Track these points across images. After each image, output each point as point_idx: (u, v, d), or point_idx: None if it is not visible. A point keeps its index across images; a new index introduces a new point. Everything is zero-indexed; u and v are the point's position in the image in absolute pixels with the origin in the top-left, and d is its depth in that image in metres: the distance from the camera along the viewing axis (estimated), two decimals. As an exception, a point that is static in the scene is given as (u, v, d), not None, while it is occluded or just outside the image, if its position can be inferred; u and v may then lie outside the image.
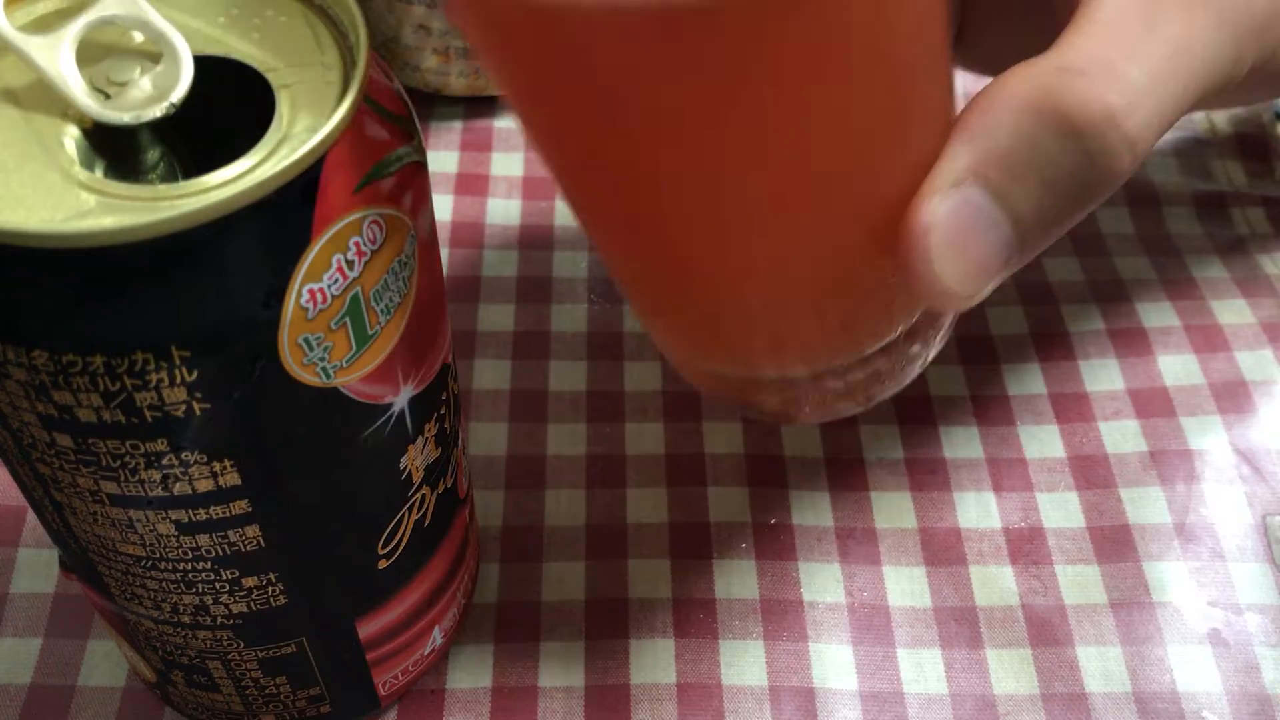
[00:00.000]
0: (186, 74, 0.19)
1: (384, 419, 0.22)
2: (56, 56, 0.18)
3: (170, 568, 0.22)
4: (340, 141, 0.18)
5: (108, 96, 0.19)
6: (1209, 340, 0.38)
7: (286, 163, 0.17)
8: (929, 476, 0.35)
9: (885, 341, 0.32)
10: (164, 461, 0.19)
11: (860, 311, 0.29)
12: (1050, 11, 0.26)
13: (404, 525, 0.25)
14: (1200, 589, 0.32)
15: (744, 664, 0.31)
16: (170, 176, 0.21)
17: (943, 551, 0.33)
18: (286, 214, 0.17)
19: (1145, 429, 0.36)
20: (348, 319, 0.19)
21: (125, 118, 0.18)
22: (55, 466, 0.20)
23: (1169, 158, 0.43)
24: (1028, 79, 0.22)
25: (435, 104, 0.45)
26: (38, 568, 0.32)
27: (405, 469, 0.23)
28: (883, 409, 0.36)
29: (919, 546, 0.33)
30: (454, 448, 0.26)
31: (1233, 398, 0.36)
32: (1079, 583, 0.32)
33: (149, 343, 0.17)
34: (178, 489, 0.20)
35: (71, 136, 0.18)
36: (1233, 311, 0.38)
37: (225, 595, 0.23)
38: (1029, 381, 0.37)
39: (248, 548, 0.22)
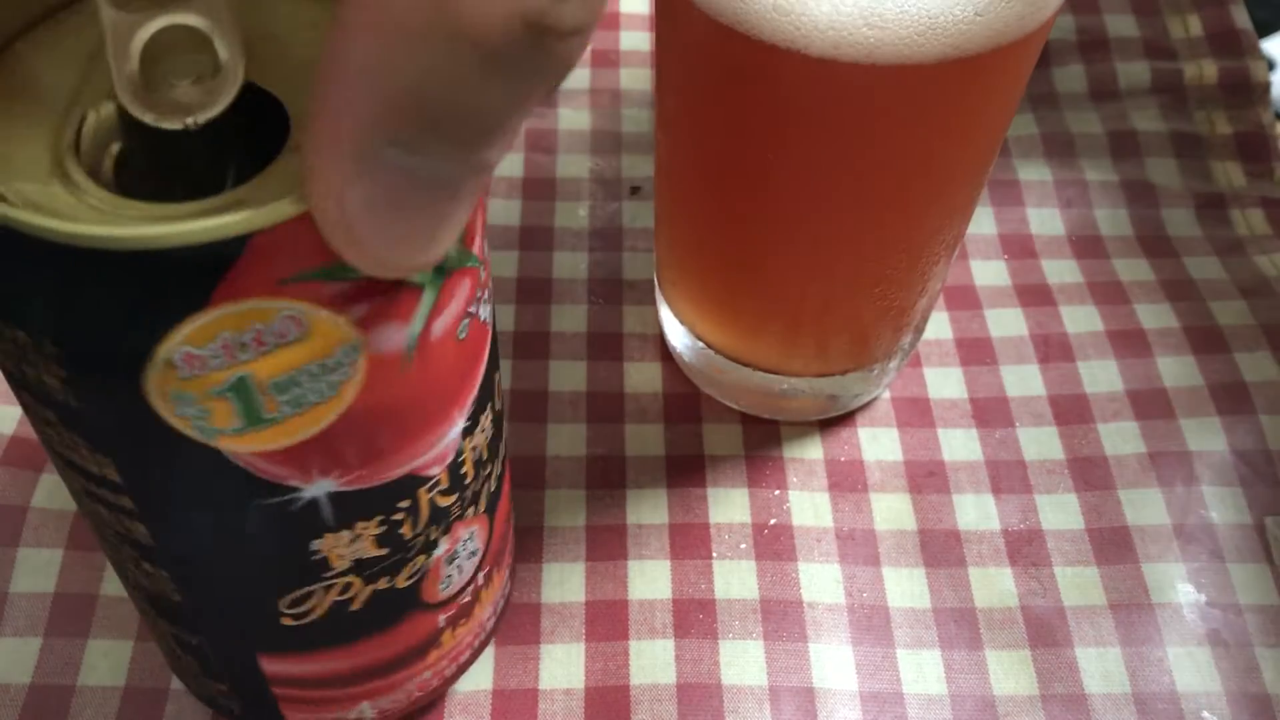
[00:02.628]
0: (222, 103, 0.18)
1: (286, 498, 0.20)
2: (132, 39, 0.18)
3: (92, 517, 0.22)
4: (278, 230, 0.17)
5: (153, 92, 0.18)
6: (1208, 341, 0.38)
7: (196, 227, 0.16)
8: (928, 478, 0.35)
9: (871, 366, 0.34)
10: (59, 431, 0.20)
11: (867, 332, 0.32)
12: None
13: (317, 600, 0.23)
14: (1199, 590, 0.32)
15: (744, 664, 0.31)
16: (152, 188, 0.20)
17: (942, 553, 0.33)
18: (191, 274, 0.17)
19: (1144, 430, 0.36)
20: (231, 395, 0.18)
21: (146, 118, 0.18)
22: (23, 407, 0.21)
23: (1169, 159, 0.43)
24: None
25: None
26: (37, 567, 0.31)
27: (319, 552, 0.22)
28: (882, 410, 0.36)
29: (918, 548, 0.33)
30: (419, 555, 0.24)
31: (1232, 399, 0.36)
32: (1078, 584, 0.32)
33: (26, 326, 0.18)
34: (73, 458, 0.20)
35: (87, 122, 0.18)
36: (1232, 313, 0.38)
37: (131, 567, 0.23)
38: (1028, 383, 0.37)
39: (138, 538, 0.22)
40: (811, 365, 0.34)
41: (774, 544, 0.33)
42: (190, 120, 0.18)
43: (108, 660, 0.30)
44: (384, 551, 0.23)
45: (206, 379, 0.18)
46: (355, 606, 0.24)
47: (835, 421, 0.36)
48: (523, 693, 0.30)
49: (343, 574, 0.23)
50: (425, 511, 0.23)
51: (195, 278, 0.17)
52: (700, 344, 0.35)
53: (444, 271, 0.19)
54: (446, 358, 0.21)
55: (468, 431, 0.23)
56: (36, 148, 0.18)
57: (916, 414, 0.36)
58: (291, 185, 0.17)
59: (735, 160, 0.29)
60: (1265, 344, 0.38)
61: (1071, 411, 0.36)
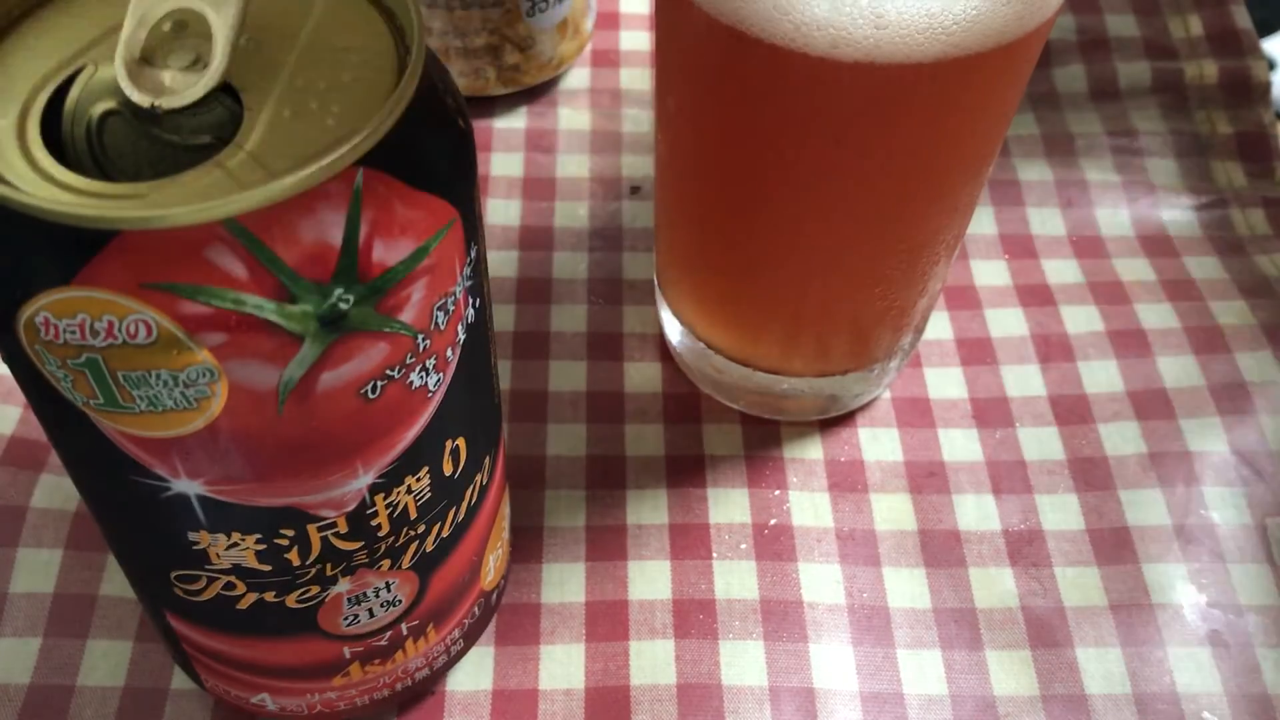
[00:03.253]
0: (188, 97, 0.18)
1: (156, 484, 0.20)
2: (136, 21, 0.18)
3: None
4: (147, 234, 0.17)
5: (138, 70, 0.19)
6: (1209, 341, 0.38)
7: (74, 204, 0.17)
8: (928, 478, 0.35)
9: (869, 368, 0.34)
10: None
11: (867, 332, 0.32)
12: None
13: (204, 584, 0.23)
14: (1200, 590, 0.32)
15: (744, 665, 0.31)
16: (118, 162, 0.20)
17: (942, 553, 0.33)
18: (62, 248, 0.17)
19: (1145, 431, 0.36)
20: (86, 372, 0.18)
21: (123, 84, 0.18)
22: None
23: (1169, 159, 0.43)
24: None
25: (435, 104, 0.45)
26: (37, 567, 0.31)
27: (198, 545, 0.22)
28: (882, 411, 0.36)
29: (919, 548, 0.33)
30: (313, 584, 0.23)
31: (1232, 399, 0.36)
32: (1079, 584, 0.32)
33: None
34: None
35: (79, 79, 0.19)
36: (1232, 313, 0.38)
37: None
38: (1028, 383, 0.37)
39: (66, 469, 0.23)
40: (811, 365, 0.34)
41: (774, 544, 0.33)
42: (156, 102, 0.18)
43: (107, 660, 0.30)
44: (267, 568, 0.23)
45: (64, 348, 0.18)
46: (242, 605, 0.24)
47: (835, 422, 0.36)
48: (523, 693, 0.30)
49: (225, 572, 0.23)
50: (316, 547, 0.23)
51: (65, 252, 0.17)
52: (700, 344, 0.35)
53: (336, 329, 0.19)
54: (343, 412, 0.20)
55: (381, 489, 0.22)
56: (8, 105, 0.19)
57: (917, 414, 0.36)
58: (187, 195, 0.18)
59: (735, 160, 0.29)
60: (1266, 344, 0.38)
61: (1072, 412, 0.36)
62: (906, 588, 0.32)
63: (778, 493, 0.34)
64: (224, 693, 0.28)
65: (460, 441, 0.24)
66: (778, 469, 0.35)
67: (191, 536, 0.22)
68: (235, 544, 0.22)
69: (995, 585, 0.32)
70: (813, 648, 0.31)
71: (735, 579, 0.32)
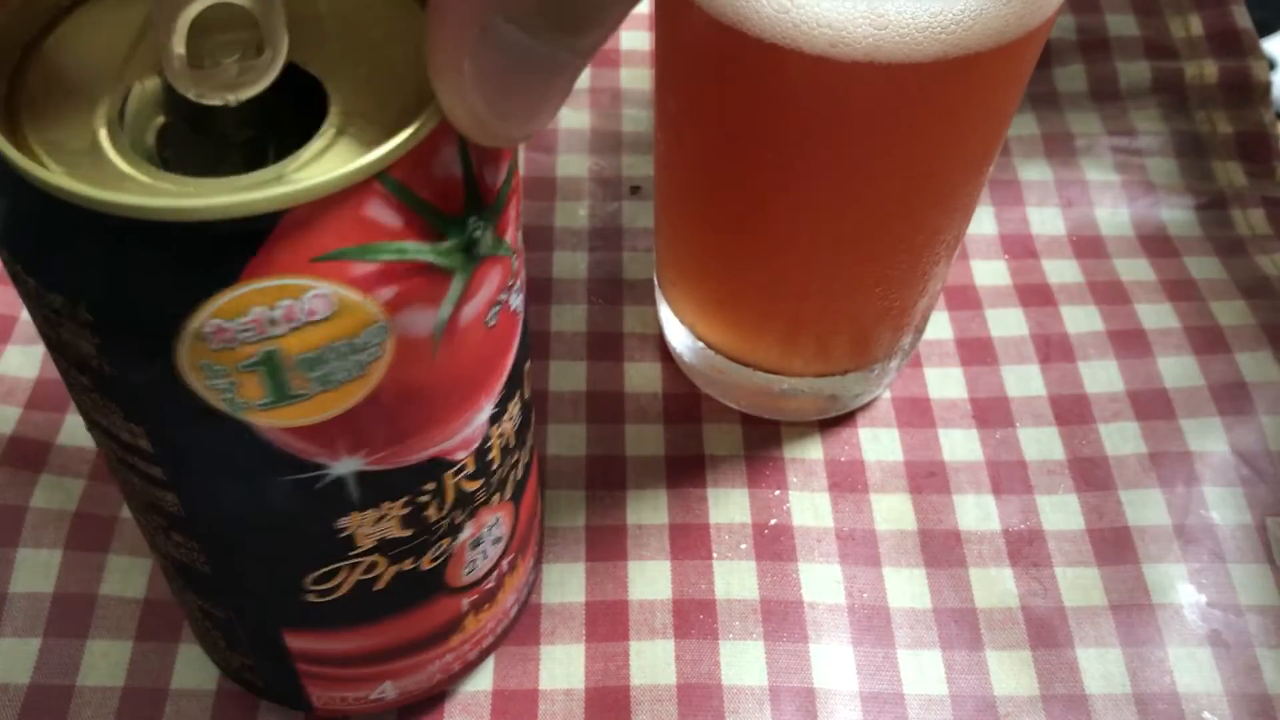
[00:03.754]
0: (263, 83, 0.18)
1: (313, 475, 0.21)
2: (179, 15, 0.18)
3: (123, 484, 0.23)
4: (310, 208, 0.17)
5: (202, 69, 0.19)
6: (1209, 341, 0.38)
7: (232, 200, 0.17)
8: (928, 478, 0.35)
9: (870, 367, 0.34)
10: (94, 397, 0.20)
11: (867, 332, 0.32)
12: None
13: (343, 577, 0.23)
14: (1200, 590, 0.32)
15: (744, 665, 0.31)
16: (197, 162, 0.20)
17: (942, 553, 0.33)
18: (223, 247, 0.17)
19: (1145, 431, 0.36)
20: (260, 369, 0.18)
21: (189, 94, 0.18)
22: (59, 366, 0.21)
23: (1169, 158, 0.43)
24: None
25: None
26: (36, 568, 0.31)
27: (345, 530, 0.22)
28: (882, 410, 0.36)
29: (919, 548, 0.33)
30: (444, 538, 0.24)
31: (1232, 399, 0.36)
32: (1079, 584, 0.32)
33: (63, 292, 0.18)
34: (107, 423, 0.21)
35: (131, 95, 0.19)
36: (1232, 313, 0.38)
37: (161, 536, 0.24)
38: (1028, 383, 0.37)
39: (168, 508, 0.22)
40: (812, 365, 0.34)
41: (774, 544, 0.33)
42: (231, 97, 0.18)
43: (107, 660, 0.30)
44: (409, 533, 0.23)
45: (236, 352, 0.18)
46: (380, 586, 0.24)
47: (835, 422, 0.36)
48: (523, 693, 0.30)
49: (368, 553, 0.23)
50: (451, 495, 0.23)
51: (228, 251, 0.17)
52: (700, 344, 0.35)
53: (475, 258, 0.20)
54: (475, 344, 0.21)
55: (495, 418, 0.23)
56: (80, 122, 0.19)
57: (917, 414, 0.36)
58: (327, 165, 0.18)
59: (735, 160, 0.29)
60: (1266, 344, 0.38)
61: (1072, 412, 0.36)
62: (907, 588, 0.32)
63: (778, 493, 0.34)
64: (339, 701, 0.28)
65: (528, 364, 0.25)
66: (778, 469, 0.35)
67: (340, 524, 0.22)
68: (383, 516, 0.22)
69: (995, 585, 0.32)
70: (813, 648, 0.31)
71: (735, 579, 0.32)
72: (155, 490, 0.22)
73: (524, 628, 0.31)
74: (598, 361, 0.37)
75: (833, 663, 0.31)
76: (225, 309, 0.17)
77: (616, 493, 0.34)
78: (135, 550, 0.32)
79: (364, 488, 0.21)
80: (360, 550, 0.23)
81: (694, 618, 0.31)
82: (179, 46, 0.18)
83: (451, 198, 0.19)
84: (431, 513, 0.23)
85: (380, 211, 0.18)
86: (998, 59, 0.26)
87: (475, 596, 0.27)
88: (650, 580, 0.32)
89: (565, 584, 0.32)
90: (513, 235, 0.21)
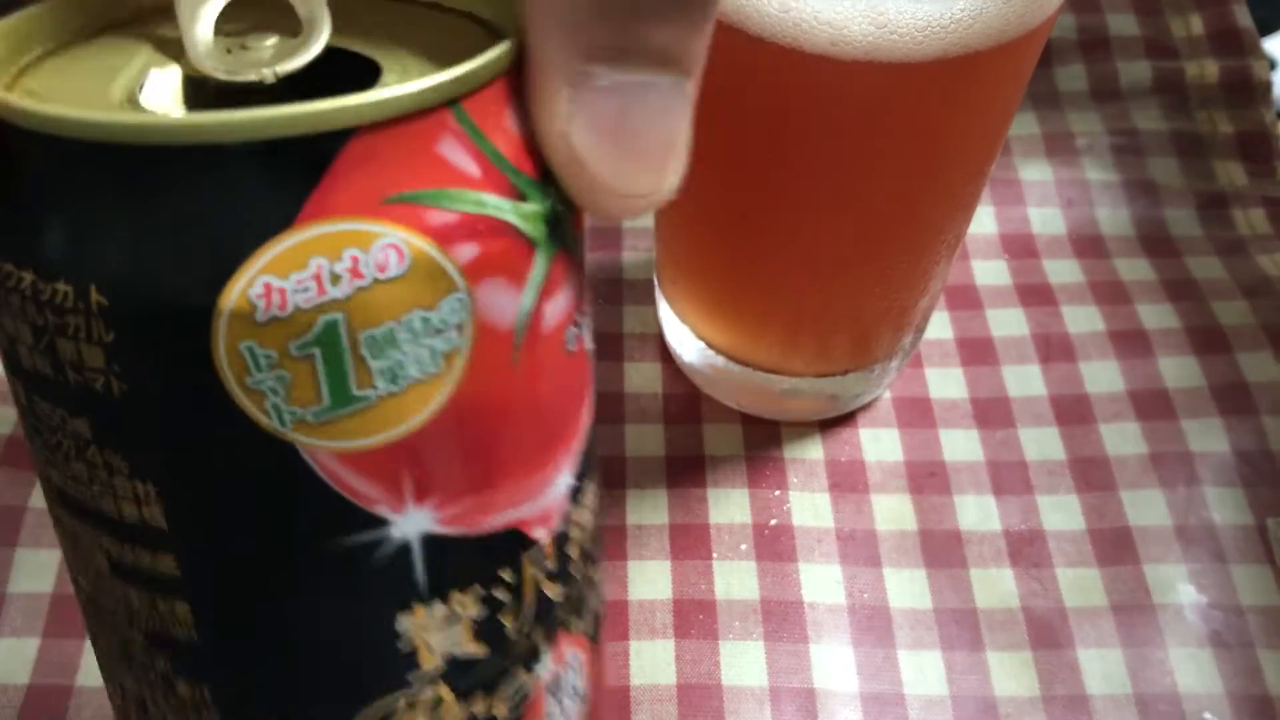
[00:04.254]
0: (305, 57, 0.16)
1: (372, 535, 0.16)
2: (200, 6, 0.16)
3: (110, 626, 0.18)
4: (386, 129, 0.14)
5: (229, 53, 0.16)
6: (1210, 342, 0.38)
7: (282, 114, 0.14)
8: (929, 479, 0.35)
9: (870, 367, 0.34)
10: (89, 454, 0.16)
11: (868, 332, 0.32)
12: None
13: (398, 718, 0.18)
14: (1201, 591, 0.32)
15: (744, 665, 0.31)
16: None
17: (943, 554, 0.33)
18: (274, 182, 0.14)
19: (1146, 431, 0.36)
20: (317, 350, 0.14)
21: (219, 73, 0.16)
22: (29, 435, 0.17)
23: (1170, 158, 0.43)
24: None
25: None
26: (35, 568, 0.31)
27: (404, 634, 0.17)
28: (882, 411, 0.36)
29: (919, 548, 0.33)
30: (521, 668, 0.19)
31: (1233, 399, 0.36)
32: (1080, 585, 0.32)
33: (70, 271, 0.14)
34: (103, 502, 0.16)
35: (147, 80, 0.17)
36: (1234, 313, 0.38)
37: (159, 694, 0.18)
38: (1029, 383, 0.37)
39: (179, 633, 0.17)
40: (812, 365, 0.34)
41: (774, 544, 0.33)
42: (268, 71, 0.16)
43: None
44: (483, 651, 0.18)
45: (289, 323, 0.14)
46: None
47: (836, 422, 0.36)
48: (522, 694, 0.30)
49: (432, 680, 0.18)
50: (530, 596, 0.19)
51: (283, 184, 0.14)
52: (700, 343, 0.35)
53: (557, 240, 0.17)
54: (555, 367, 0.18)
55: (575, 495, 0.19)
56: (94, 100, 0.16)
57: (917, 414, 0.36)
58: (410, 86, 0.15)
59: (735, 159, 0.29)
60: (1267, 344, 0.37)
61: (1073, 412, 0.36)
62: (907, 588, 0.32)
63: (778, 493, 0.34)
64: None
65: (586, 434, 0.20)
66: (778, 469, 0.35)
67: (401, 625, 0.17)
68: (453, 614, 0.18)
69: (996, 586, 0.32)
70: (813, 648, 0.31)
71: (735, 579, 0.32)
72: (161, 604, 0.17)
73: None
74: (598, 361, 0.37)
75: (833, 663, 0.31)
76: (278, 262, 0.14)
77: (616, 492, 0.34)
78: (134, 550, 0.32)
79: (432, 562, 0.17)
80: (423, 674, 0.18)
81: (694, 618, 0.31)
82: (204, 32, 0.16)
83: (528, 159, 0.16)
84: (509, 622, 0.19)
85: (455, 152, 0.15)
86: (998, 58, 0.26)
87: None
88: (650, 580, 0.32)
89: (565, 584, 0.32)
90: (583, 251, 0.18)
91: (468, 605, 0.18)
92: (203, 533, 0.16)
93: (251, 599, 0.16)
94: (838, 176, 0.28)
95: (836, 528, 0.33)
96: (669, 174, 0.17)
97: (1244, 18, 0.46)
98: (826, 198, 0.29)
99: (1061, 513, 0.34)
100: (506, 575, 0.18)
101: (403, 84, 0.14)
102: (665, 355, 0.37)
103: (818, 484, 0.34)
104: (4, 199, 0.15)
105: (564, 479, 0.19)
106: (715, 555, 0.33)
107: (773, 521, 0.33)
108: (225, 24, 0.17)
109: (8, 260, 0.15)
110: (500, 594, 0.18)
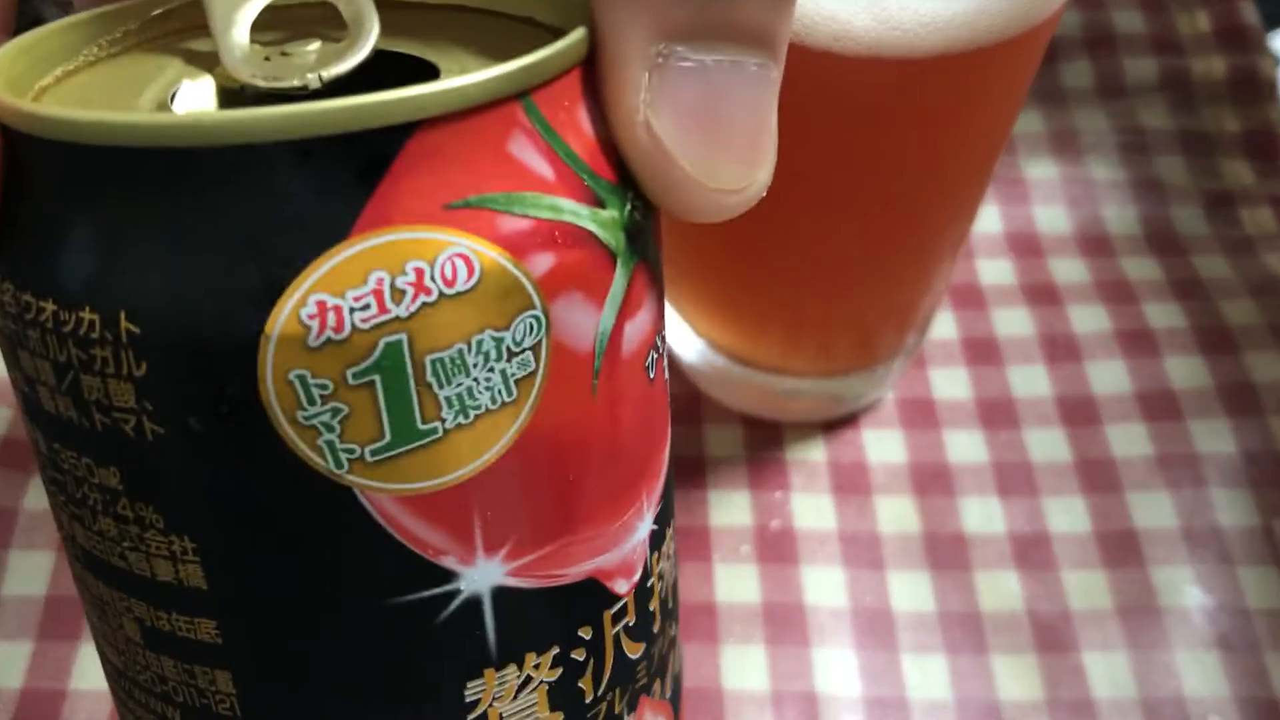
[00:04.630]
0: (354, 59, 0.14)
1: (438, 590, 0.14)
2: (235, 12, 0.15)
3: (141, 703, 0.16)
4: (450, 125, 0.13)
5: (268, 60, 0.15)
6: (1217, 342, 0.37)
7: (344, 105, 0.12)
8: (933, 481, 0.34)
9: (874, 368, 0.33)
10: (119, 507, 0.14)
11: (871, 331, 0.31)
12: None
13: None
14: (1207, 593, 0.32)
15: (746, 669, 0.30)
16: None
17: (947, 556, 0.33)
18: (325, 188, 0.12)
19: (1152, 432, 0.35)
20: (378, 378, 0.13)
21: (260, 82, 0.14)
22: (50, 490, 0.15)
23: (1177, 157, 0.43)
24: None
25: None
26: (29, 570, 0.31)
27: (473, 702, 0.15)
28: (886, 412, 0.36)
29: (923, 551, 0.33)
30: None
31: (1240, 400, 0.36)
32: (1085, 588, 0.32)
33: (96, 297, 0.13)
34: (134, 561, 0.14)
35: (180, 92, 0.15)
36: (1241, 312, 0.38)
37: None
38: (1034, 384, 0.37)
39: (221, 708, 0.15)
40: (814, 365, 0.34)
41: (776, 547, 0.33)
42: (312, 76, 0.14)
43: (99, 664, 0.30)
44: (558, 719, 0.16)
45: (346, 348, 0.13)
46: None
47: (839, 423, 0.36)
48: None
49: None
50: (610, 657, 0.17)
51: (338, 191, 0.12)
52: (701, 342, 0.35)
53: (636, 251, 0.15)
54: (636, 396, 0.16)
55: (655, 540, 0.18)
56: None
57: (921, 415, 0.36)
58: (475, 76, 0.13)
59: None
60: (1274, 344, 0.37)
61: (1079, 413, 0.36)
62: (911, 591, 0.32)
63: (780, 495, 0.34)
64: None
65: (666, 472, 0.18)
66: (780, 471, 0.34)
67: (470, 692, 0.15)
68: (527, 680, 0.16)
69: (1001, 589, 0.32)
70: (815, 652, 0.31)
71: (737, 582, 0.32)
72: (200, 675, 0.15)
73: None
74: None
75: (836, 667, 0.30)
76: (333, 277, 0.12)
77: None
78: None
79: (504, 621, 0.15)
80: None
81: (695, 621, 0.31)
82: (241, 36, 0.15)
83: (604, 161, 0.15)
84: (587, 685, 0.17)
85: (526, 151, 0.14)
86: (1002, 55, 0.25)
87: None
88: (650, 583, 0.32)
89: (564, 587, 0.32)
90: (661, 264, 0.17)
91: (543, 668, 0.16)
92: (247, 593, 0.14)
93: (302, 667, 0.15)
94: (840, 174, 0.28)
95: (839, 530, 0.33)
96: (761, 166, 0.16)
97: (1250, 14, 0.45)
98: (829, 195, 0.29)
99: (1067, 515, 0.33)
100: (585, 634, 0.16)
101: (467, 74, 0.13)
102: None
103: (820, 486, 0.34)
104: (20, 220, 0.13)
105: (645, 523, 0.17)
106: (716, 558, 0.32)
107: (775, 524, 0.33)
108: (261, 34, 0.15)
109: (25, 289, 0.13)
110: (578, 655, 0.16)
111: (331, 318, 0.12)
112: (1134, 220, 0.41)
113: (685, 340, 0.35)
